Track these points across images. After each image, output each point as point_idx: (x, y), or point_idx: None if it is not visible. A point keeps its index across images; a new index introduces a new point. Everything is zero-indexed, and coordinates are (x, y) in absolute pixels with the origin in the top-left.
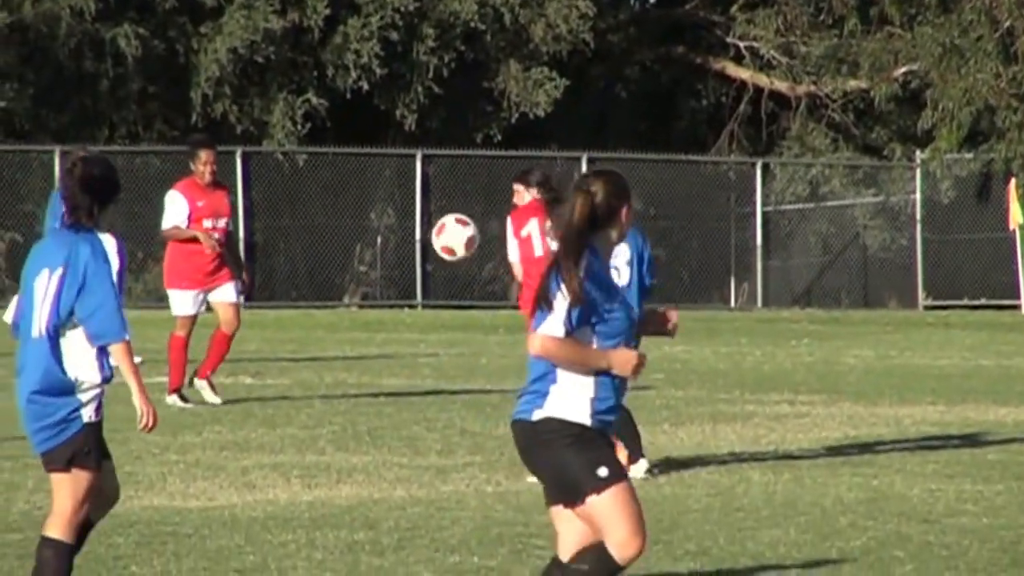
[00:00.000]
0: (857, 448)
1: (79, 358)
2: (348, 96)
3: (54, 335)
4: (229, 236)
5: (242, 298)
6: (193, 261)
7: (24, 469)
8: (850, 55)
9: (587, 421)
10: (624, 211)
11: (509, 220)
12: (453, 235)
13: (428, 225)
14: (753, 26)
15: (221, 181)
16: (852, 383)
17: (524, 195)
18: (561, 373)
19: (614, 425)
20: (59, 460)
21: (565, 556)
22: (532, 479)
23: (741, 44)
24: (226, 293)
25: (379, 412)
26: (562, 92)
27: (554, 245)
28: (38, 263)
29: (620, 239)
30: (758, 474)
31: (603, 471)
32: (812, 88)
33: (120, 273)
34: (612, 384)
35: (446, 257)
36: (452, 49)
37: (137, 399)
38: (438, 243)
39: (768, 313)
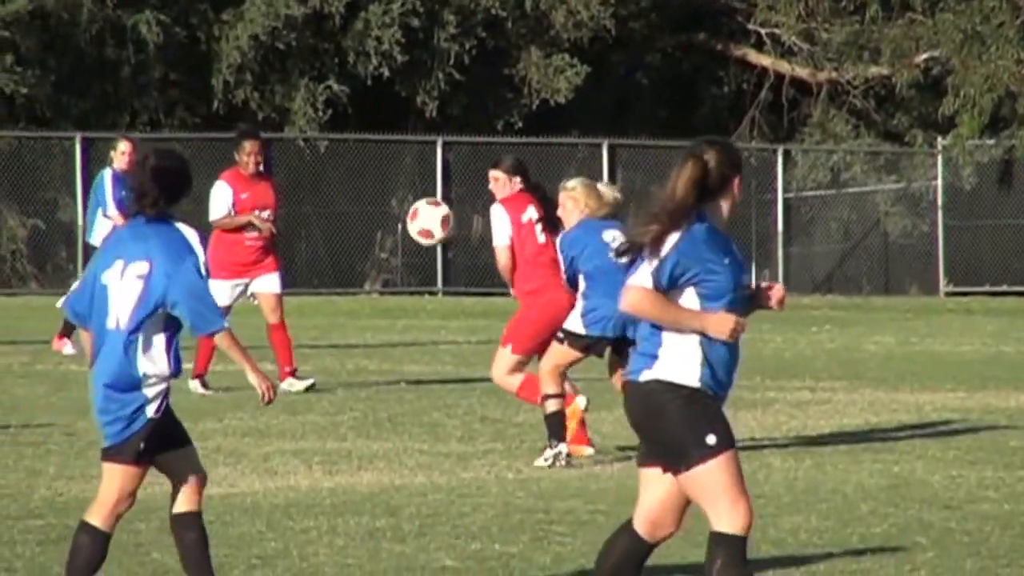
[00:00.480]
0: (878, 435)
1: (150, 352)
2: (369, 83)
3: (135, 329)
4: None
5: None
6: (235, 252)
7: (46, 455)
8: (871, 42)
9: (696, 383)
10: (736, 182)
11: (501, 207)
12: (428, 218)
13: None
14: (774, 12)
15: (265, 172)
16: (873, 369)
17: (507, 184)
18: (667, 335)
19: (725, 396)
20: (122, 455)
21: (639, 523)
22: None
23: (762, 31)
24: (269, 283)
25: (400, 399)
26: (583, 79)
27: (540, 237)
28: (111, 254)
29: (731, 211)
30: (779, 460)
31: (712, 438)
32: (833, 75)
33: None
34: (720, 349)
35: (423, 241)
36: (473, 36)
37: (253, 378)
38: (414, 228)
39: (789, 299)
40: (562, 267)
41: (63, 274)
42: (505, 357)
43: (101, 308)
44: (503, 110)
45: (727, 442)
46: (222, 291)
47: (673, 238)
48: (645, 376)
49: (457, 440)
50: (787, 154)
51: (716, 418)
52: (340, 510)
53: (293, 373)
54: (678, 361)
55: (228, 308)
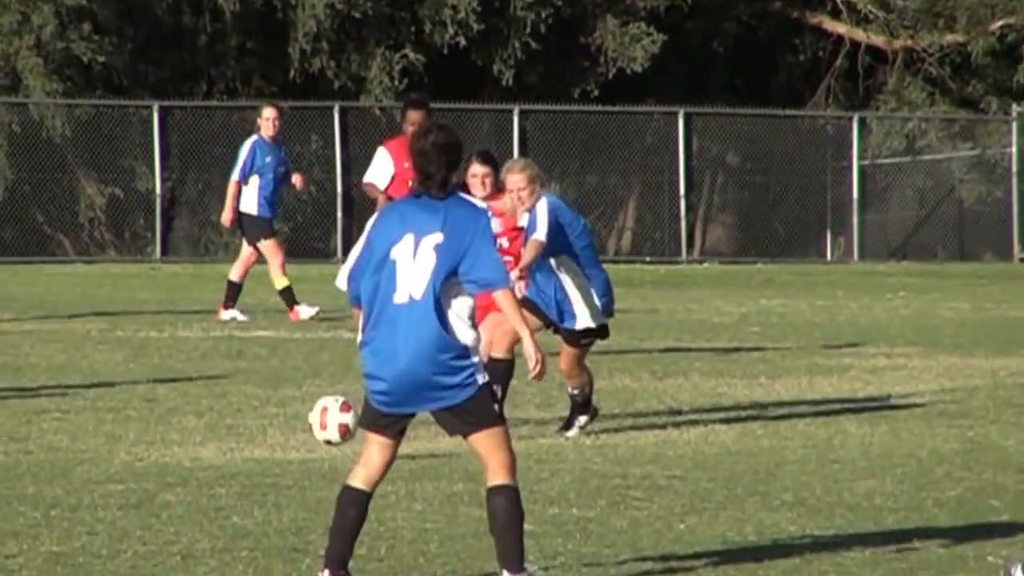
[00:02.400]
0: (953, 400)
1: (464, 319)
2: (445, 51)
3: (438, 299)
4: None
5: None
6: None
7: (126, 421)
8: (947, 9)
9: None
10: None
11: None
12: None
13: None
14: None
15: None
16: (948, 335)
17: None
18: None
19: None
20: (467, 421)
21: None
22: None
23: None
24: None
25: None
26: (659, 47)
27: None
28: (398, 229)
29: None
30: (854, 426)
31: None
32: (909, 42)
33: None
34: None
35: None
36: (549, 4)
37: (530, 346)
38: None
39: (864, 266)
40: (546, 233)
41: (141, 242)
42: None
43: (389, 283)
44: (579, 78)
45: None
46: None
47: None
48: None
49: (535, 407)
50: (862, 121)
51: None
52: (418, 475)
53: None
54: None
55: None
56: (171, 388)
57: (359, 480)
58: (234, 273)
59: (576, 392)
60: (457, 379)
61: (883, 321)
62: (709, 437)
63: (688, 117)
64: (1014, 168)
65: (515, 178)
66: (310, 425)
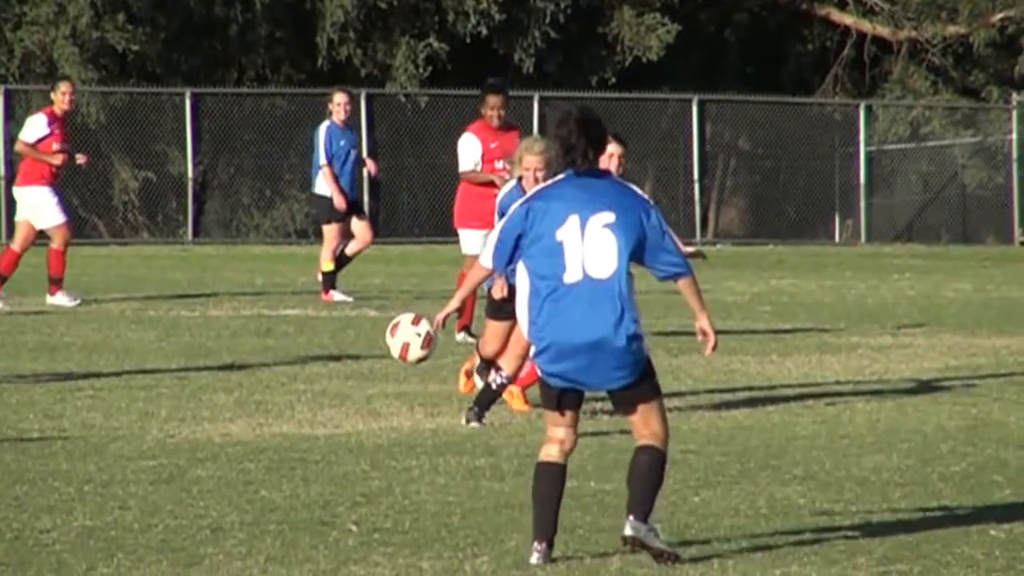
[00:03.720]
0: (957, 378)
1: (634, 297)
2: (468, 40)
3: (620, 278)
4: None
5: None
6: (485, 202)
7: (158, 398)
8: (949, 2)
9: None
10: None
11: None
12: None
13: None
14: None
15: (512, 123)
16: (952, 315)
17: None
18: None
19: None
20: (638, 397)
21: None
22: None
23: None
24: None
25: None
26: (674, 37)
27: None
28: (560, 212)
29: None
30: (862, 403)
31: None
32: (913, 33)
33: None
34: None
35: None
36: None
37: (706, 324)
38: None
39: (871, 248)
40: None
41: (173, 224)
42: None
43: (559, 265)
44: (597, 66)
45: None
46: (475, 241)
47: None
48: None
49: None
50: (869, 109)
51: None
52: (441, 450)
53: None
54: None
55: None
56: (202, 366)
57: (553, 455)
58: (350, 249)
59: (505, 379)
60: (632, 359)
61: (889, 301)
62: (722, 413)
63: (702, 104)
64: (1014, 155)
65: (532, 159)
66: (406, 345)
